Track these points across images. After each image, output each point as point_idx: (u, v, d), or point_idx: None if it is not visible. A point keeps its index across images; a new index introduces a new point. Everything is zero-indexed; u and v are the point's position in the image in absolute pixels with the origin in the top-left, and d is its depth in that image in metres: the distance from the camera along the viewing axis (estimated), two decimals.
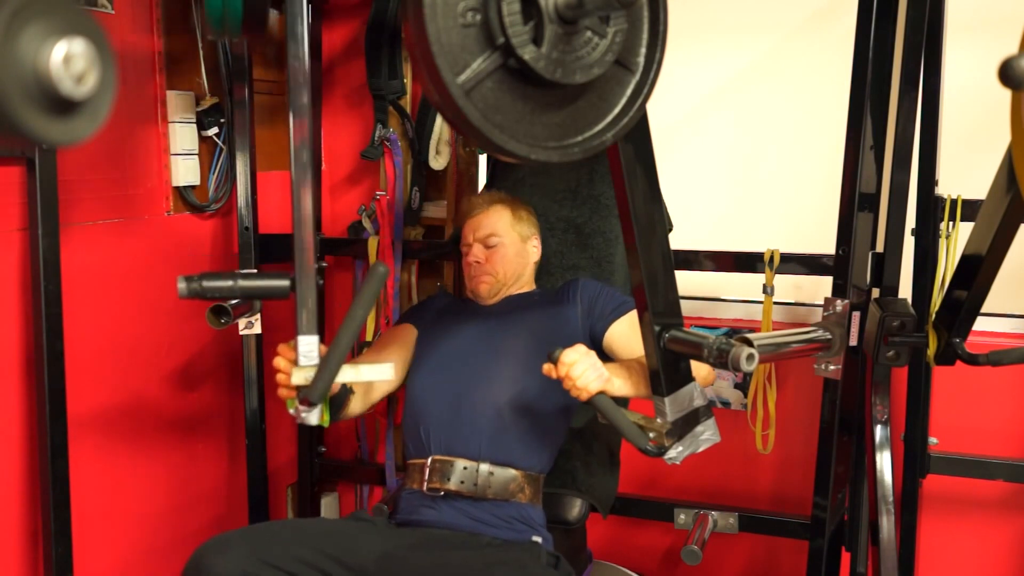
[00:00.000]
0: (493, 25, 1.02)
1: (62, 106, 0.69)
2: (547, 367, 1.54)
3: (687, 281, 1.89)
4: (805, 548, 2.06)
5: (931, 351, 1.81)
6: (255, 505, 2.29)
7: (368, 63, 2.31)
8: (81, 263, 1.87)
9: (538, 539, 1.76)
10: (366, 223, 2.45)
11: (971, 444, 2.25)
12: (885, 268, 1.95)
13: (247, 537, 1.60)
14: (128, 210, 2.00)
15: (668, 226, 2.08)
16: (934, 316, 1.88)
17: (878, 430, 1.95)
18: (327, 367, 1.31)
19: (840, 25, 2.22)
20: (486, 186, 2.35)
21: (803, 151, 2.50)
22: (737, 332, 1.72)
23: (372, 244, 2.36)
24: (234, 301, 1.89)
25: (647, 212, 1.41)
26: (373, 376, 1.41)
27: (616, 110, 1.17)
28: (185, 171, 2.09)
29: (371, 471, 2.55)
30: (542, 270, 2.15)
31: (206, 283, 1.34)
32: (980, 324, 1.88)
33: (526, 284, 2.04)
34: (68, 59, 0.68)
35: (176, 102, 2.05)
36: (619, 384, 1.57)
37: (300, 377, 1.35)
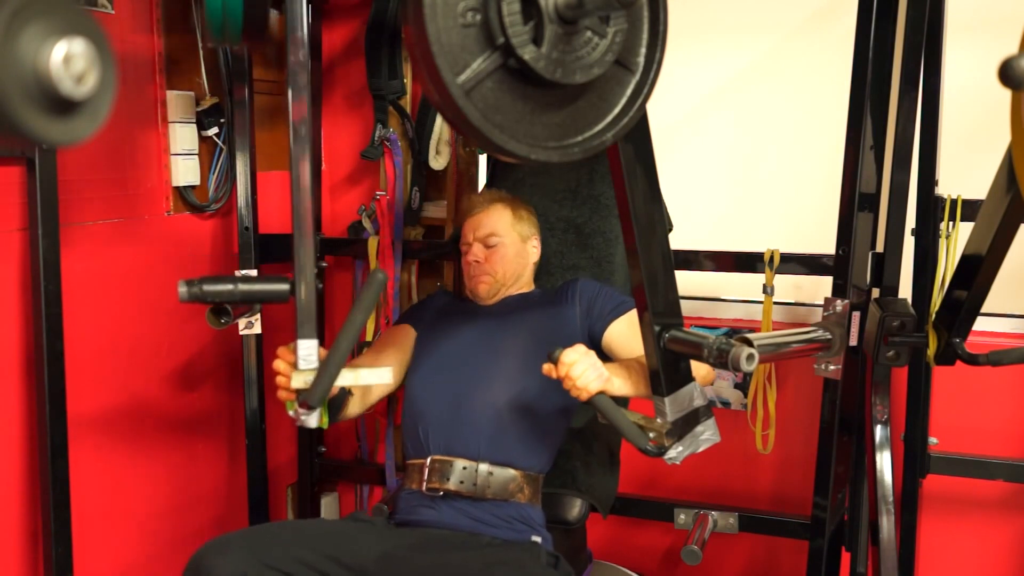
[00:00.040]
0: (493, 25, 1.02)
1: (62, 106, 0.69)
2: (547, 367, 1.54)
3: (687, 281, 1.89)
4: (805, 548, 2.06)
5: (931, 351, 1.81)
6: (255, 505, 2.29)
7: (368, 63, 2.31)
8: (81, 263, 1.87)
9: (538, 539, 1.76)
10: (366, 223, 2.45)
11: (971, 444, 2.25)
12: (885, 268, 1.95)
13: (247, 539, 1.60)
14: (128, 210, 2.00)
15: (668, 226, 2.08)
16: (934, 316, 1.88)
17: (878, 430, 1.95)
18: (326, 372, 1.33)
19: (840, 25, 2.22)
20: (486, 185, 2.35)
21: (803, 151, 2.50)
22: (737, 332, 1.72)
23: (372, 244, 2.36)
24: None
25: (647, 212, 1.41)
26: (372, 380, 1.42)
27: (616, 110, 1.17)
28: (185, 171, 2.09)
29: (371, 471, 2.55)
30: (542, 270, 2.15)
31: (206, 287, 1.35)
32: (980, 324, 1.88)
33: (525, 284, 2.04)
34: (68, 59, 0.68)
35: (176, 102, 2.05)
36: (619, 384, 1.57)
37: (299, 381, 1.37)
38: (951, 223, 2.06)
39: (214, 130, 2.13)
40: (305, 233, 1.35)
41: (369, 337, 2.37)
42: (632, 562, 2.41)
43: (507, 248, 1.97)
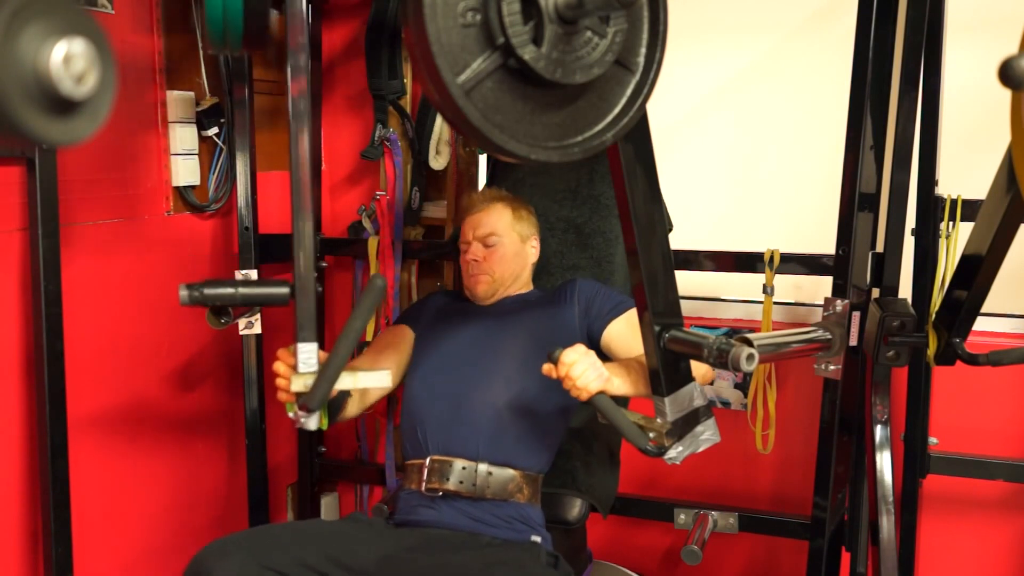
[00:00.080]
0: (493, 25, 1.02)
1: (62, 106, 0.69)
2: (547, 367, 1.54)
3: (687, 281, 1.89)
4: (805, 548, 2.07)
5: (931, 351, 1.81)
6: (255, 505, 2.29)
7: (368, 63, 2.31)
8: (81, 263, 1.87)
9: (537, 539, 1.76)
10: (366, 223, 2.45)
11: (971, 444, 2.25)
12: (885, 268, 1.95)
13: (246, 541, 1.60)
14: (128, 210, 2.00)
15: (668, 226, 2.08)
16: (934, 316, 1.88)
17: (878, 430, 1.95)
18: (325, 376, 1.34)
19: (840, 25, 2.22)
20: (486, 185, 2.35)
21: (803, 151, 2.50)
22: (737, 332, 1.72)
23: (372, 244, 2.36)
24: None
25: (647, 212, 1.41)
26: (371, 383, 1.43)
27: (616, 110, 1.17)
28: (185, 171, 2.09)
29: (371, 471, 2.55)
30: (542, 270, 2.15)
31: (207, 291, 1.36)
32: (980, 324, 1.87)
33: (524, 285, 2.04)
34: (68, 59, 0.68)
35: (176, 102, 2.05)
36: (619, 384, 1.57)
37: (299, 384, 1.38)
38: (951, 223, 2.06)
39: (214, 130, 2.13)
40: (305, 236, 1.36)
41: (369, 337, 2.37)
42: (632, 562, 2.41)
43: (506, 248, 1.97)
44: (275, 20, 2.26)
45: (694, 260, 2.11)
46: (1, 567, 1.76)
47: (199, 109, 2.10)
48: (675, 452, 1.52)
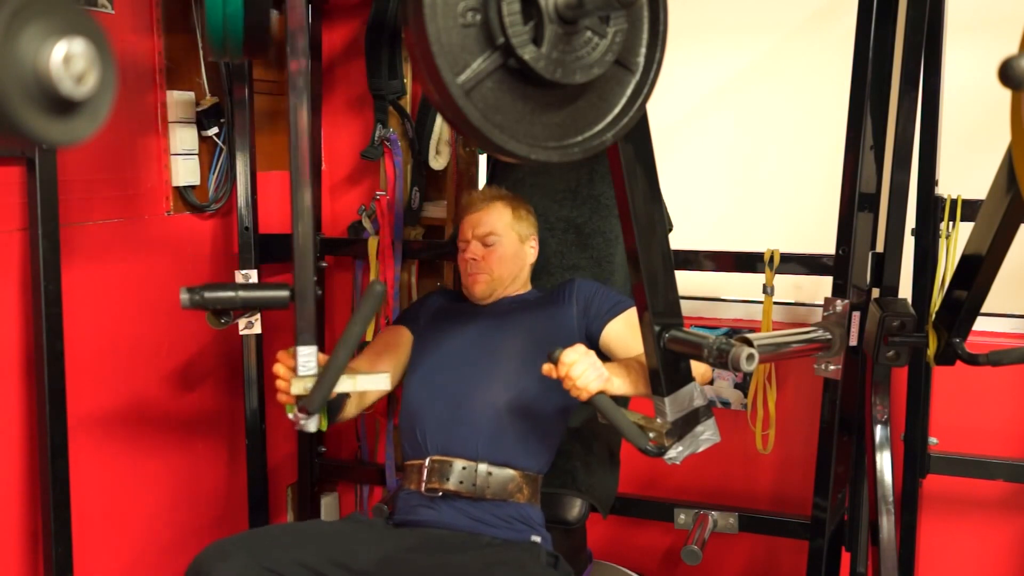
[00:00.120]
0: (493, 25, 1.02)
1: (62, 106, 0.69)
2: (547, 367, 1.54)
3: (687, 281, 1.89)
4: (805, 548, 2.06)
5: (931, 351, 1.81)
6: (255, 505, 2.29)
7: (368, 63, 2.31)
8: (81, 263, 1.87)
9: (537, 539, 1.76)
10: (366, 223, 2.45)
11: (971, 444, 2.25)
12: (885, 268, 1.95)
13: (246, 543, 1.60)
14: (128, 210, 2.00)
15: (668, 226, 2.08)
16: (934, 316, 1.88)
17: (878, 430, 1.95)
18: (325, 380, 1.35)
19: (840, 25, 2.22)
20: (487, 184, 2.35)
21: (803, 151, 2.50)
22: (737, 332, 1.72)
23: (372, 244, 2.36)
24: None
25: (647, 212, 1.41)
26: (370, 386, 1.44)
27: (616, 110, 1.17)
28: (185, 171, 2.09)
29: (371, 471, 2.55)
30: (542, 270, 2.15)
31: (208, 294, 1.38)
32: (980, 324, 1.87)
33: (522, 285, 2.04)
34: (68, 59, 0.68)
35: (176, 102, 2.05)
36: (619, 383, 1.57)
37: (299, 387, 1.39)
38: (951, 223, 2.06)
39: (214, 130, 2.13)
40: (306, 239, 1.37)
41: (369, 337, 2.37)
42: (632, 562, 2.41)
43: (505, 248, 1.97)
44: (275, 20, 2.26)
45: (694, 260, 2.11)
46: (1, 567, 1.76)
47: (199, 109, 2.10)
48: (675, 452, 1.52)
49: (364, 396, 1.87)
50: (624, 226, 1.43)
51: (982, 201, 1.60)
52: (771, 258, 2.03)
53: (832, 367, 1.90)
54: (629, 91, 1.17)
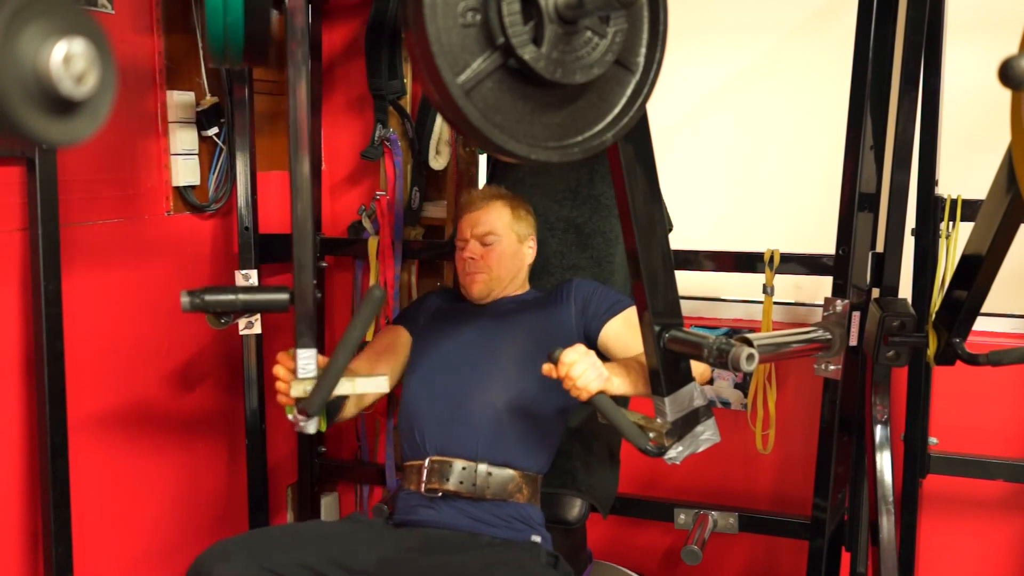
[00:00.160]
0: (493, 25, 1.02)
1: (62, 106, 0.69)
2: (547, 367, 1.54)
3: (687, 281, 1.89)
4: (805, 548, 2.06)
5: (931, 351, 1.82)
6: (255, 505, 2.28)
7: (368, 63, 2.31)
8: (81, 263, 1.87)
9: (537, 538, 1.76)
10: (366, 223, 2.45)
11: (971, 444, 2.25)
12: (885, 268, 1.95)
13: (247, 544, 1.60)
14: (128, 210, 2.00)
15: (668, 226, 2.08)
16: (934, 316, 1.88)
17: (878, 430, 1.95)
18: (324, 384, 1.37)
19: (840, 25, 2.22)
20: (487, 183, 2.35)
21: (803, 151, 2.50)
22: (737, 332, 1.72)
23: (372, 244, 2.36)
24: None
25: (647, 212, 1.41)
26: (368, 389, 1.47)
27: (616, 110, 1.17)
28: (185, 171, 2.09)
29: (371, 471, 2.55)
30: (542, 270, 2.15)
31: (208, 297, 1.40)
32: (980, 324, 1.87)
33: (520, 286, 2.03)
34: (68, 59, 0.68)
35: (176, 102, 2.05)
36: (618, 383, 1.57)
37: (299, 390, 1.42)
38: (951, 223, 2.06)
39: (214, 130, 2.13)
40: (305, 244, 1.38)
41: (368, 336, 2.37)
42: (632, 562, 2.41)
43: (504, 248, 1.96)
44: (275, 20, 2.26)
45: (694, 260, 2.11)
46: (1, 567, 1.76)
47: (199, 109, 2.10)
48: (675, 452, 1.52)
49: (363, 396, 1.87)
50: (624, 226, 1.43)
51: (982, 201, 1.60)
52: (771, 258, 2.03)
53: (832, 367, 1.90)
54: (629, 91, 1.17)
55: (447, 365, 1.90)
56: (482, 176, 2.48)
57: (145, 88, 2.01)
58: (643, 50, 1.16)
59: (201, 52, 2.11)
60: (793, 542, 2.14)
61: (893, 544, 1.90)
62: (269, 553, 1.57)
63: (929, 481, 2.25)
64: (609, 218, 2.13)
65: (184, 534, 2.20)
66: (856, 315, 1.90)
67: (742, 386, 2.41)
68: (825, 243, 1.99)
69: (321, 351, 1.43)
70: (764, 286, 2.05)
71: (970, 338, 1.77)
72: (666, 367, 1.48)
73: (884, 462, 1.93)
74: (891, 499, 1.91)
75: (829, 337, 1.80)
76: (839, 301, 1.89)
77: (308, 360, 1.41)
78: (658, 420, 1.52)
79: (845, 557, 2.19)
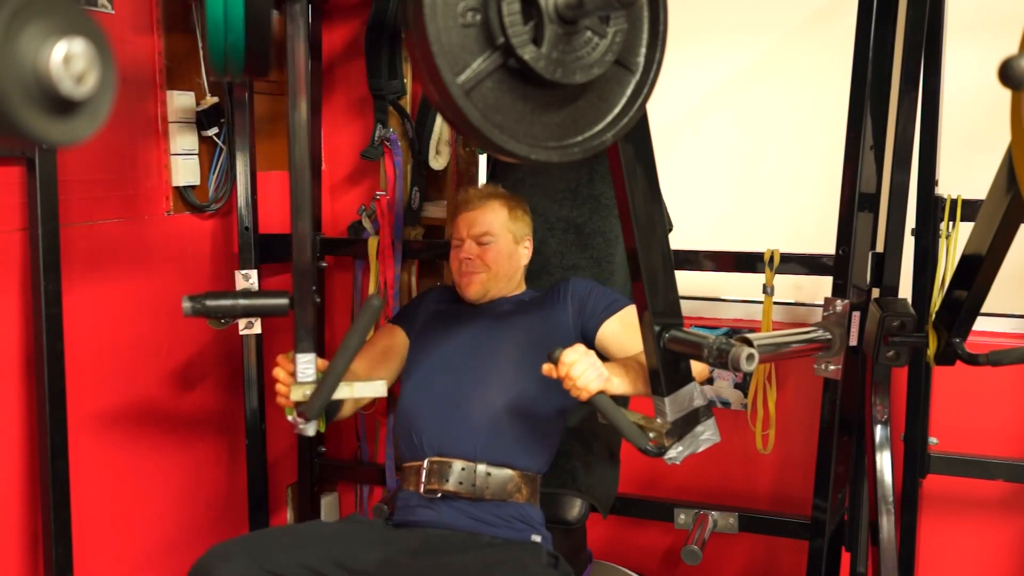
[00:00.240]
0: (493, 25, 1.02)
1: (62, 106, 0.69)
2: (547, 367, 1.54)
3: (687, 281, 1.89)
4: (805, 548, 2.06)
5: (931, 351, 1.81)
6: (255, 505, 2.28)
7: (368, 63, 2.31)
8: (81, 263, 1.87)
9: (538, 538, 1.76)
10: (366, 223, 2.45)
11: (971, 444, 2.25)
12: (885, 268, 1.95)
13: (247, 545, 1.60)
14: (128, 210, 2.00)
15: (668, 226, 2.08)
16: (934, 316, 1.88)
17: (878, 430, 1.95)
18: (323, 389, 1.40)
19: (840, 25, 2.22)
20: (487, 182, 2.35)
21: (803, 151, 2.50)
22: (737, 332, 1.72)
23: (372, 244, 2.36)
24: None
25: (647, 212, 1.41)
26: (366, 393, 1.49)
27: (616, 110, 1.17)
28: (185, 171, 2.09)
29: (371, 471, 2.55)
30: (542, 270, 2.14)
31: (209, 302, 1.43)
32: (980, 324, 1.88)
33: (517, 286, 2.03)
34: (68, 59, 0.68)
35: (176, 102, 2.05)
36: (618, 383, 1.57)
37: (298, 393, 1.44)
38: (951, 223, 2.06)
39: (214, 130, 2.13)
40: (304, 251, 1.40)
41: (369, 335, 2.37)
42: (632, 562, 2.41)
43: (500, 248, 1.96)
44: (275, 20, 2.26)
45: (694, 260, 2.11)
46: (1, 567, 1.76)
47: (199, 109, 2.10)
48: (675, 452, 1.52)
49: (360, 397, 1.87)
50: (624, 226, 1.43)
51: (982, 201, 1.60)
52: (771, 258, 2.03)
53: (832, 367, 1.90)
54: (629, 91, 1.17)
55: (445, 366, 1.90)
56: (482, 176, 2.48)
57: (145, 88, 2.01)
58: (643, 50, 1.16)
59: (201, 52, 2.11)
60: (793, 542, 2.14)
61: (893, 544, 1.90)
62: (269, 554, 1.57)
63: (929, 481, 2.25)
64: (609, 218, 2.13)
65: (184, 534, 2.20)
66: (856, 315, 1.90)
67: (742, 386, 2.41)
68: (825, 243, 1.99)
69: (321, 350, 1.43)
70: (764, 286, 2.05)
71: (970, 338, 1.77)
72: (666, 367, 1.48)
73: (884, 462, 1.93)
74: (891, 499, 1.91)
75: (829, 337, 1.80)
76: (839, 301, 1.89)
77: (307, 364, 1.43)
78: (658, 420, 1.52)
79: (845, 557, 2.18)
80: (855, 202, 1.91)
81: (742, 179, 2.60)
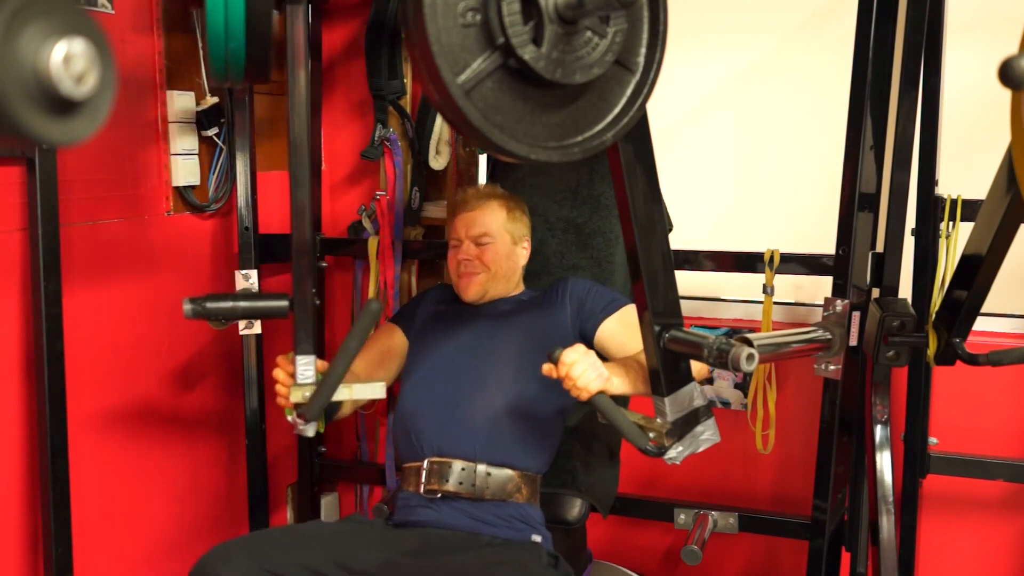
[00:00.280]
0: (493, 25, 1.02)
1: (62, 106, 0.69)
2: (547, 367, 1.54)
3: (687, 281, 1.89)
4: (805, 548, 2.06)
5: (931, 351, 1.82)
6: (255, 505, 2.28)
7: (368, 63, 2.31)
8: (81, 263, 1.87)
9: (538, 538, 1.76)
10: (366, 223, 2.45)
11: (971, 444, 2.25)
12: (885, 268, 1.95)
13: (248, 545, 1.60)
14: (128, 210, 2.00)
15: (668, 226, 2.08)
16: (934, 316, 1.88)
17: (878, 430, 1.95)
18: (322, 391, 1.41)
19: (840, 25, 2.22)
20: (486, 182, 2.35)
21: (803, 151, 2.50)
22: (737, 332, 1.72)
23: (372, 244, 2.36)
24: None
25: (647, 212, 1.41)
26: (366, 394, 1.50)
27: (616, 110, 1.17)
28: (185, 171, 2.09)
29: (371, 471, 2.55)
30: (542, 270, 2.14)
31: (209, 305, 1.44)
32: (980, 324, 1.87)
33: (515, 287, 2.03)
34: (68, 59, 0.68)
35: (176, 102, 2.05)
36: (618, 383, 1.57)
37: (298, 395, 1.45)
38: (951, 223, 2.06)
39: (214, 130, 2.13)
40: (304, 253, 1.40)
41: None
42: (632, 562, 2.41)
43: (498, 249, 1.95)
44: (275, 20, 2.26)
45: (694, 260, 2.11)
46: (1, 567, 1.76)
47: (199, 109, 2.10)
48: (675, 452, 1.52)
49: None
50: (624, 226, 1.43)
51: (982, 201, 1.60)
52: (771, 258, 2.03)
53: (832, 367, 1.90)
54: (629, 91, 1.17)
55: (444, 367, 1.90)
56: (482, 176, 2.48)
57: (145, 88, 2.01)
58: (643, 50, 1.16)
59: (201, 52, 2.11)
60: (793, 542, 2.14)
61: (893, 544, 1.90)
62: (270, 554, 1.57)
63: (929, 481, 2.25)
64: (609, 218, 2.13)
65: (184, 534, 2.20)
66: (856, 315, 1.90)
67: (742, 386, 2.41)
68: (825, 243, 1.99)
69: (321, 351, 1.44)
70: (764, 286, 2.05)
71: (970, 338, 1.77)
72: (666, 367, 1.48)
73: (884, 462, 1.93)
74: (891, 499, 1.91)
75: (829, 337, 1.80)
76: (839, 301, 1.89)
77: (307, 366, 1.44)
78: (658, 420, 1.52)
79: (845, 557, 2.19)
80: (855, 202, 1.91)
81: (742, 179, 2.60)
